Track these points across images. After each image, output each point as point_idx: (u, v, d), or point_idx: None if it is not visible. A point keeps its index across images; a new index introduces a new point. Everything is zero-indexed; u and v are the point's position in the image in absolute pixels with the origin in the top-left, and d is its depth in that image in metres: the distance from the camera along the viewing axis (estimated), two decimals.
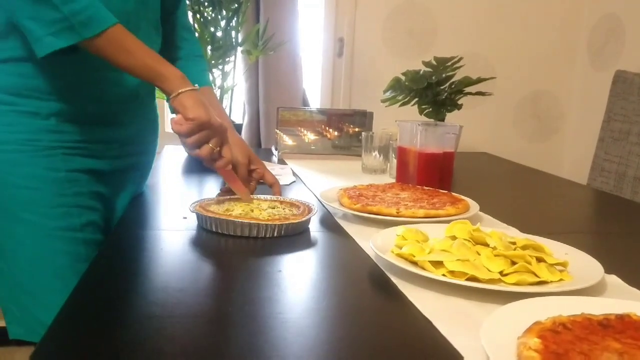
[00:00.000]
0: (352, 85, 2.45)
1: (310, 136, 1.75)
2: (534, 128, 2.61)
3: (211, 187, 1.34)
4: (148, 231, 1.01)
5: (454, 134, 1.36)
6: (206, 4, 2.00)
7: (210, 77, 1.80)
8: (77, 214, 1.04)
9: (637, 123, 1.76)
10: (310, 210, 1.02)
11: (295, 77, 2.28)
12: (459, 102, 1.79)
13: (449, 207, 1.05)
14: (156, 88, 1.22)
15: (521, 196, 1.47)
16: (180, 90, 0.95)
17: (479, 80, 1.76)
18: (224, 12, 2.01)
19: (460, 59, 1.78)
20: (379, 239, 0.86)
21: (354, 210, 1.05)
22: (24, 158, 1.01)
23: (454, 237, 0.84)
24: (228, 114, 2.00)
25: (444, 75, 1.77)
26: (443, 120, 1.77)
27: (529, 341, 0.53)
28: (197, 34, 1.73)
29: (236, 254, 0.91)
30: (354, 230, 1.00)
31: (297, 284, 0.78)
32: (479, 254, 0.78)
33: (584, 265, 0.79)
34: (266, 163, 1.21)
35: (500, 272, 0.74)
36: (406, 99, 1.78)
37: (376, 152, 1.54)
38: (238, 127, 2.06)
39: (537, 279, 0.73)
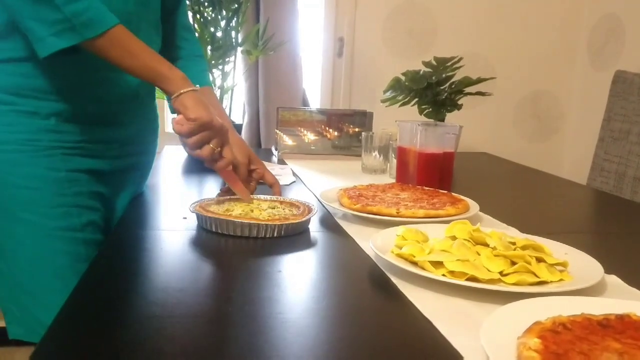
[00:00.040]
0: (352, 85, 2.45)
1: (310, 136, 1.75)
2: (534, 128, 2.61)
3: (211, 187, 1.34)
4: (148, 231, 1.01)
5: (454, 134, 1.36)
6: (206, 4, 2.00)
7: (210, 77, 1.80)
8: (77, 214, 1.04)
9: (637, 123, 1.76)
10: (310, 210, 1.02)
11: (295, 77, 2.28)
12: (459, 102, 1.79)
13: (449, 207, 1.05)
14: (156, 88, 1.23)
15: (521, 196, 1.47)
16: (181, 91, 0.96)
17: (479, 81, 1.76)
18: (224, 12, 2.01)
19: (460, 59, 1.78)
20: (379, 239, 0.86)
21: (354, 210, 1.05)
22: (24, 158, 1.01)
23: (454, 237, 0.84)
24: (228, 114, 2.00)
25: (444, 75, 1.77)
26: (443, 120, 1.78)
27: (529, 341, 0.53)
28: (197, 34, 1.73)
29: (236, 254, 0.91)
30: (354, 230, 1.00)
31: (297, 284, 0.78)
32: (479, 254, 0.78)
33: (584, 265, 0.79)
34: (266, 163, 1.21)
35: (500, 272, 0.74)
36: (406, 99, 1.78)
37: (376, 152, 1.54)
38: (238, 127, 2.06)
39: (537, 279, 0.73)
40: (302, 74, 2.31)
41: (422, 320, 0.65)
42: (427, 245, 0.82)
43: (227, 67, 2.08)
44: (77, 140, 1.06)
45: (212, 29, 2.01)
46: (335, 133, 1.76)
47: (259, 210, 1.01)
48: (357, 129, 1.75)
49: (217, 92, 1.99)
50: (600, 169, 1.87)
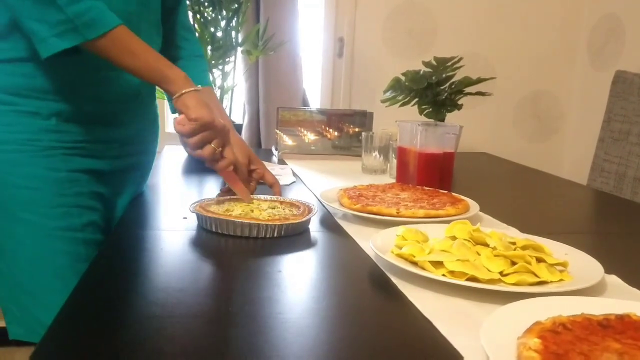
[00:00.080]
0: (352, 85, 2.45)
1: (310, 136, 1.75)
2: (534, 128, 2.61)
3: (211, 187, 1.34)
4: (148, 231, 1.01)
5: (454, 134, 1.36)
6: (206, 4, 2.00)
7: (210, 77, 1.80)
8: (77, 214, 1.04)
9: (637, 123, 1.76)
10: (310, 210, 1.02)
11: (295, 77, 2.28)
12: (459, 102, 1.79)
13: (449, 207, 1.05)
14: (156, 88, 1.23)
15: (521, 196, 1.47)
16: (183, 91, 0.96)
17: (479, 81, 1.76)
18: (224, 12, 2.01)
19: (460, 59, 1.78)
20: (379, 239, 0.86)
21: (354, 210, 1.05)
22: (24, 158, 1.01)
23: (454, 237, 0.84)
24: (228, 114, 2.00)
25: (444, 75, 1.77)
26: (443, 120, 1.78)
27: (529, 341, 0.53)
28: (197, 34, 1.73)
29: (236, 254, 0.91)
30: (354, 230, 1.00)
31: (297, 284, 0.78)
32: (479, 254, 0.78)
33: (584, 265, 0.79)
34: (266, 163, 1.21)
35: (500, 272, 0.74)
36: (406, 99, 1.78)
37: (376, 152, 1.54)
38: (238, 127, 2.06)
39: (537, 279, 0.73)
40: (302, 74, 2.31)
41: (422, 320, 0.65)
42: (427, 245, 0.82)
43: (227, 67, 2.08)
44: (77, 140, 1.06)
45: (212, 29, 2.01)
46: (336, 133, 1.76)
47: (259, 210, 1.01)
48: (357, 129, 1.75)
49: (217, 92, 1.99)
50: (600, 169, 1.87)
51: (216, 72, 2.05)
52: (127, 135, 1.15)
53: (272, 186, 1.16)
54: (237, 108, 2.33)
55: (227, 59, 2.06)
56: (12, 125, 1.01)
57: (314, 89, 2.46)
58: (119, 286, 0.75)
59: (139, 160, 1.22)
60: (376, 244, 0.83)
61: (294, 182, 1.42)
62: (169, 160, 1.69)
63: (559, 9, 2.51)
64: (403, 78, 1.78)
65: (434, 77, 1.76)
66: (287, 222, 0.94)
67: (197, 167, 1.51)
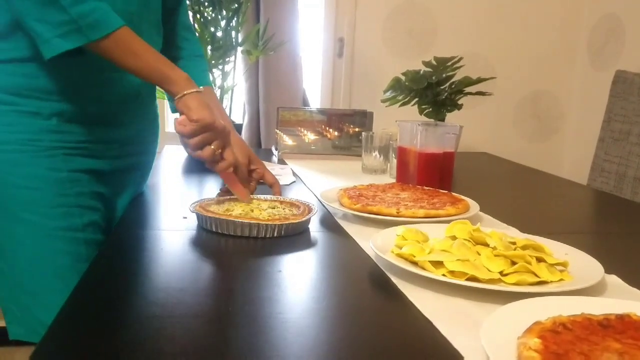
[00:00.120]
0: (352, 85, 2.45)
1: (310, 136, 1.75)
2: (534, 128, 2.61)
3: (211, 187, 1.34)
4: (148, 231, 1.01)
5: (454, 134, 1.36)
6: (206, 4, 2.00)
7: (210, 77, 1.80)
8: (78, 214, 1.04)
9: (637, 123, 1.76)
10: (310, 210, 1.02)
11: (295, 77, 2.28)
12: (459, 102, 1.79)
13: (449, 207, 1.05)
14: (156, 88, 1.23)
15: (521, 196, 1.47)
16: (185, 92, 0.96)
17: (479, 80, 1.76)
18: (224, 12, 2.01)
19: (460, 59, 1.78)
20: (379, 239, 0.86)
21: (354, 210, 1.05)
22: (25, 158, 1.01)
23: (454, 237, 0.84)
24: (228, 114, 2.00)
25: (444, 75, 1.77)
26: (443, 120, 1.78)
27: (529, 341, 0.53)
28: (197, 34, 1.73)
29: (236, 254, 0.91)
30: (354, 230, 1.00)
31: (297, 284, 0.78)
32: (479, 254, 0.78)
33: (584, 265, 0.79)
34: (266, 163, 1.21)
35: (500, 272, 0.74)
36: (406, 99, 1.78)
37: (376, 152, 1.54)
38: (238, 127, 2.06)
39: (537, 279, 0.73)
40: (302, 74, 2.31)
41: (422, 320, 0.65)
42: (427, 245, 0.82)
43: (227, 67, 2.08)
44: (78, 140, 1.06)
45: (212, 29, 2.01)
46: (336, 133, 1.76)
47: (259, 210, 1.01)
48: (357, 129, 1.75)
49: (217, 92, 1.99)
50: (600, 169, 1.87)
51: (216, 72, 2.05)
52: (127, 136, 1.15)
53: (272, 186, 1.16)
54: (237, 108, 2.33)
55: (227, 59, 2.06)
56: (13, 126, 1.01)
57: (314, 89, 2.46)
58: (119, 286, 0.75)
59: (139, 160, 1.22)
60: (376, 243, 0.83)
61: (294, 182, 1.42)
62: (169, 160, 1.69)
63: (559, 9, 2.51)
64: (403, 78, 1.78)
65: (434, 77, 1.76)
66: (287, 222, 0.94)
67: (197, 167, 1.51)
